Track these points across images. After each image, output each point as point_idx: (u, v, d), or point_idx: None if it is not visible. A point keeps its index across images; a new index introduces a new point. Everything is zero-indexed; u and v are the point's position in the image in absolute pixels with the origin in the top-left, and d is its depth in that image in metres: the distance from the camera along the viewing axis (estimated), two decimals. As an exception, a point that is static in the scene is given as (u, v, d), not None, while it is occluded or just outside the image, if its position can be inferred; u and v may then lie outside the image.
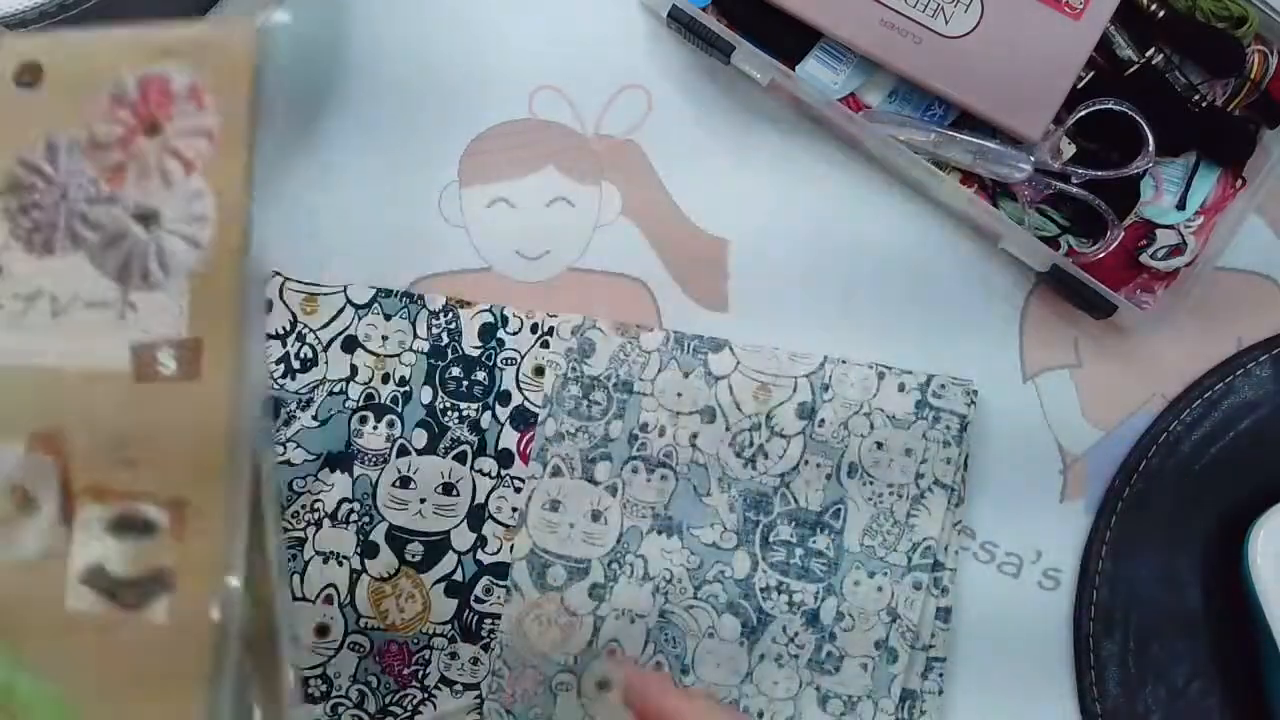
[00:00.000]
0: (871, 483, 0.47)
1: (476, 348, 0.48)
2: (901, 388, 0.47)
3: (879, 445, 0.47)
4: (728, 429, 0.47)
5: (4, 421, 0.31)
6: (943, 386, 0.47)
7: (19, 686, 0.30)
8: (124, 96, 0.31)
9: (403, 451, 0.47)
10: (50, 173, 0.31)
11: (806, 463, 0.47)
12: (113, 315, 0.31)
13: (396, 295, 0.48)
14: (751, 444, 0.47)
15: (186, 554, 0.30)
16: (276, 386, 0.47)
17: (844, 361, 0.48)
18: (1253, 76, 0.48)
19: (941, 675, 0.47)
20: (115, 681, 0.30)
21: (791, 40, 0.48)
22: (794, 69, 0.48)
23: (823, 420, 0.47)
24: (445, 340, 0.47)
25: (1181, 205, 0.48)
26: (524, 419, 0.47)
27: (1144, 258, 0.48)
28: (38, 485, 0.31)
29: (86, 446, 0.31)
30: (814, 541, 0.47)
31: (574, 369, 0.47)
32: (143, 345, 0.31)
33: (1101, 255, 0.48)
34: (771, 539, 0.47)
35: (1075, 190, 0.47)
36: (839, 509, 0.47)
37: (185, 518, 0.31)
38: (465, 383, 0.47)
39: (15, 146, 0.31)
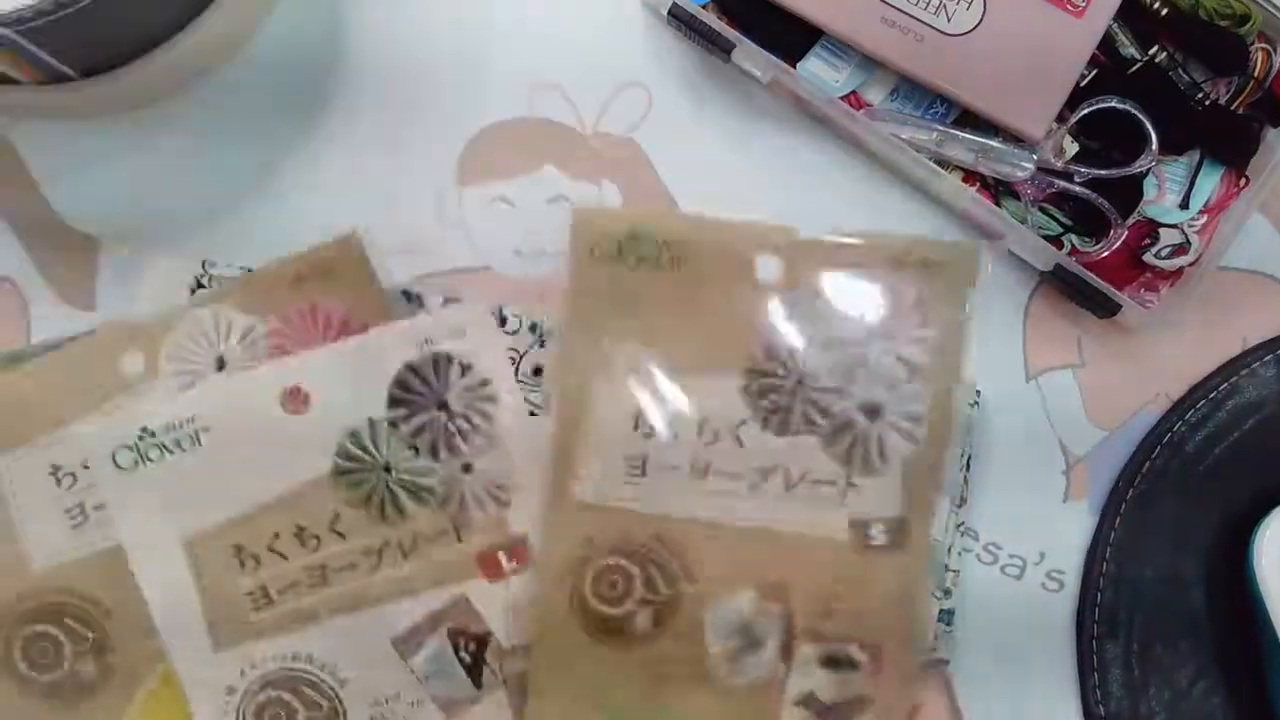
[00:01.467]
0: None
1: (476, 348, 0.48)
2: None
3: None
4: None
5: (742, 572, 0.38)
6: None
7: None
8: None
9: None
10: (789, 363, 0.38)
11: None
12: (836, 492, 0.38)
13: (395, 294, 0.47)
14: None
15: (880, 685, 0.39)
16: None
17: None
18: (1256, 75, 0.47)
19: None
20: None
21: (792, 38, 0.48)
22: (795, 67, 0.48)
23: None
24: (444, 340, 0.47)
25: (1185, 204, 0.48)
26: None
27: (1147, 257, 0.48)
28: (765, 626, 0.38)
29: (805, 598, 0.38)
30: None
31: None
32: (860, 520, 0.38)
33: (1105, 254, 0.47)
34: None
35: (1078, 189, 0.47)
36: None
37: (881, 658, 0.39)
38: (464, 383, 0.47)
39: (759, 334, 0.39)
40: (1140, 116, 0.46)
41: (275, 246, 0.48)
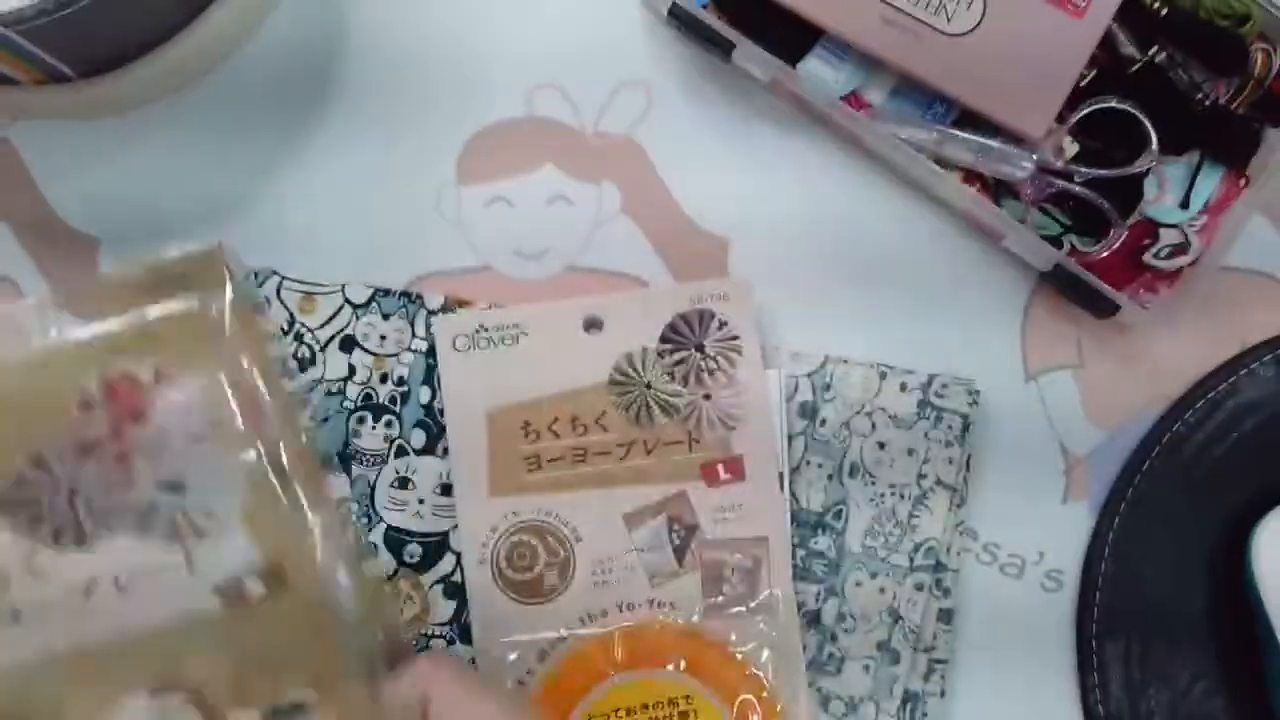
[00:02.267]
0: (873, 483, 0.47)
1: (476, 348, 0.48)
2: (903, 387, 0.47)
3: (881, 445, 0.47)
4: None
5: (121, 685, 0.36)
6: (945, 386, 0.47)
7: None
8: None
9: (401, 452, 0.46)
10: (58, 473, 0.36)
11: (808, 463, 0.47)
12: (183, 572, 0.36)
13: (394, 294, 0.47)
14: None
15: (341, 708, 0.37)
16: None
17: (845, 361, 0.48)
18: (1256, 75, 0.47)
19: (944, 677, 0.47)
20: None
21: (792, 38, 0.48)
22: (795, 67, 0.48)
23: (824, 420, 0.47)
24: (444, 340, 0.48)
25: (1185, 204, 0.48)
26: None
27: (1147, 257, 0.48)
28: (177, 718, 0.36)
29: (211, 674, 0.36)
30: (815, 542, 0.47)
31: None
32: (225, 584, 0.36)
33: (1104, 254, 0.47)
34: None
35: (1078, 189, 0.47)
36: (840, 509, 0.47)
37: (332, 685, 0.37)
38: (465, 383, 0.48)
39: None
40: (1140, 116, 0.46)
41: (274, 245, 0.48)
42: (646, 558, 0.45)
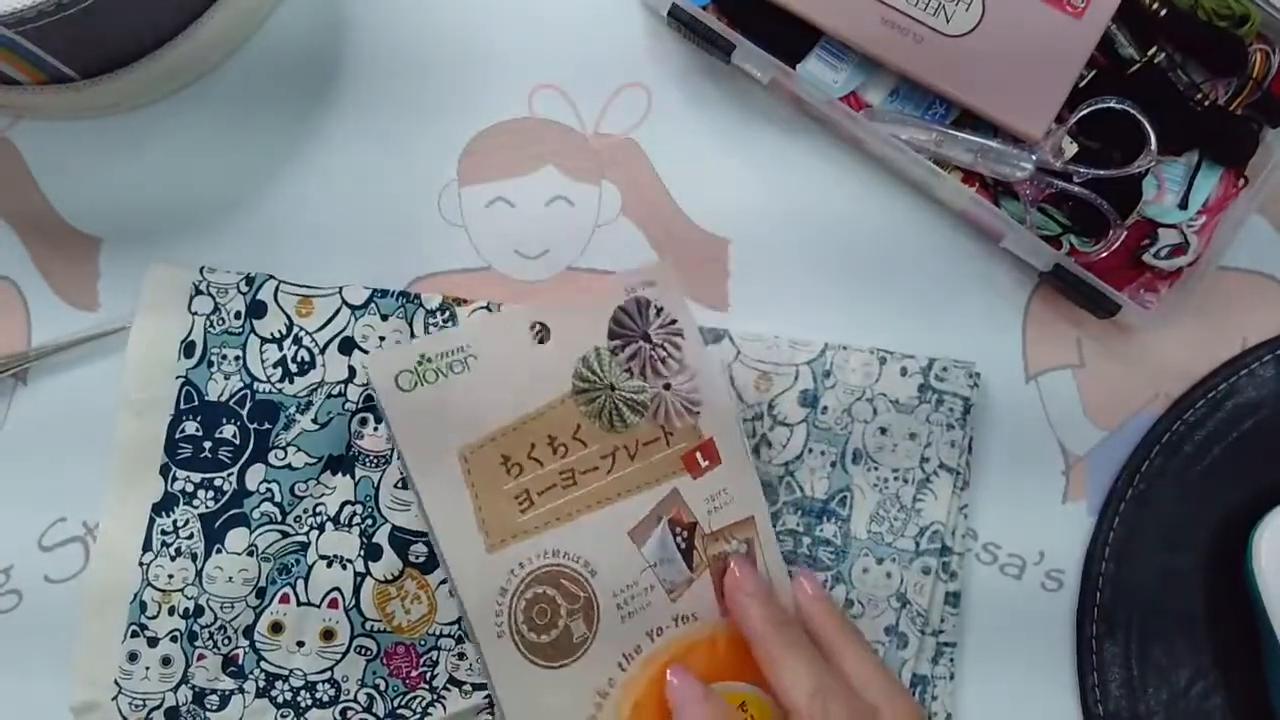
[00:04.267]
0: (876, 468, 0.47)
1: (477, 348, 0.48)
2: (904, 372, 0.47)
3: (883, 430, 0.47)
4: (733, 423, 0.49)
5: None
6: (945, 369, 0.47)
7: None
8: None
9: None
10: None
11: (810, 451, 0.47)
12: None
13: (392, 295, 0.47)
14: (754, 434, 0.47)
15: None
16: (275, 390, 0.46)
17: (845, 348, 0.48)
18: (1255, 75, 0.48)
19: (953, 660, 0.47)
20: None
21: (792, 39, 0.48)
22: (795, 68, 0.48)
23: (825, 407, 0.47)
24: (445, 341, 0.48)
25: (1184, 204, 0.48)
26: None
27: (1146, 257, 0.48)
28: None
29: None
30: (821, 529, 0.47)
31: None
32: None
33: (1104, 254, 0.47)
34: (778, 528, 0.47)
35: (1077, 189, 0.47)
36: (845, 496, 0.47)
37: None
38: (466, 384, 0.48)
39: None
40: (1139, 117, 0.46)
41: (275, 245, 0.48)
42: (662, 572, 0.44)
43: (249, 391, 0.46)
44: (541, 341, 0.45)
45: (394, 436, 0.43)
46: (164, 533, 0.45)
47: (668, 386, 0.45)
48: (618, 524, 0.44)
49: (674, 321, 0.46)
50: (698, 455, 0.45)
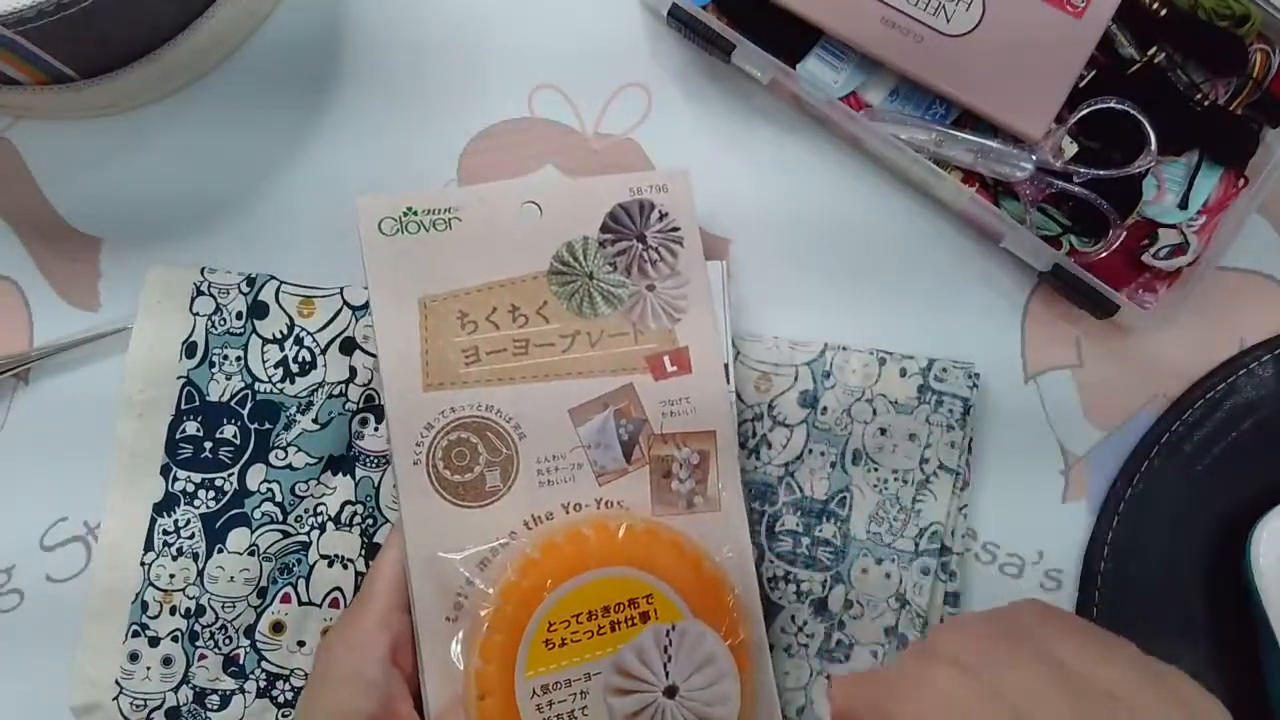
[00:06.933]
0: (876, 469, 0.47)
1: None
2: (903, 372, 0.47)
3: (882, 431, 0.47)
4: (731, 424, 0.48)
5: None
6: (944, 370, 0.47)
7: None
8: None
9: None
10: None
11: (810, 451, 0.47)
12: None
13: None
14: (754, 434, 0.47)
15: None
16: (275, 390, 0.46)
17: (845, 348, 0.48)
18: (1255, 75, 0.48)
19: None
20: None
21: (792, 39, 0.48)
22: (795, 67, 0.48)
23: (825, 408, 0.47)
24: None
25: (1184, 204, 0.48)
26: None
27: (1146, 257, 0.48)
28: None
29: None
30: (820, 530, 0.47)
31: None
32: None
33: (1103, 254, 0.47)
34: (777, 529, 0.47)
35: (1077, 189, 0.47)
36: (844, 496, 0.47)
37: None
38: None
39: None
40: (1139, 117, 0.46)
41: (275, 245, 0.48)
42: (594, 454, 0.44)
43: (250, 392, 0.46)
44: (531, 219, 0.45)
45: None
46: (165, 533, 0.46)
47: (651, 287, 0.45)
48: (560, 400, 0.44)
49: (676, 229, 0.46)
50: (665, 359, 0.45)
